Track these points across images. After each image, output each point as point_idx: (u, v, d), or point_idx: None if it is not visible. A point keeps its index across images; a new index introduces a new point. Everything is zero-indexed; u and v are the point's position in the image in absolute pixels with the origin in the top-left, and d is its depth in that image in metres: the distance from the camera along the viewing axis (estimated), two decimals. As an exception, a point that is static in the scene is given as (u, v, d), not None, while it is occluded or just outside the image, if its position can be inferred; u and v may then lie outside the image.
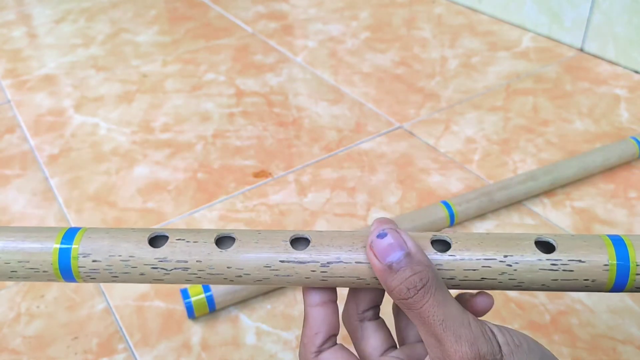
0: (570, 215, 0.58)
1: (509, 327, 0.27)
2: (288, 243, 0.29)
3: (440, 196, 0.61)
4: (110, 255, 0.28)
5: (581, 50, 0.86)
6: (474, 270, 0.28)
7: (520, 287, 0.28)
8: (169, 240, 0.29)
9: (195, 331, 0.48)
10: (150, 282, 0.29)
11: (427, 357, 0.27)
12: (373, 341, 0.30)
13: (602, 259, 0.27)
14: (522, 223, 0.57)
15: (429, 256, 0.28)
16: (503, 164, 0.65)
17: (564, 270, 0.27)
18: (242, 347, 0.47)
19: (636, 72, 0.80)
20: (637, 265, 0.27)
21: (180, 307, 0.50)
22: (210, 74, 0.85)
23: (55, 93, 0.83)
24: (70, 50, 0.95)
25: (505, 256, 0.28)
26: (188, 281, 0.29)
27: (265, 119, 0.75)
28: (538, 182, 0.59)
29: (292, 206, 0.61)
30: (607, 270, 0.27)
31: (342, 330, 0.31)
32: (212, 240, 0.29)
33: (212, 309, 0.49)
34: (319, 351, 0.29)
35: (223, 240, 0.29)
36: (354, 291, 0.31)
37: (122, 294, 0.52)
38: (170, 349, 0.47)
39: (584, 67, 0.82)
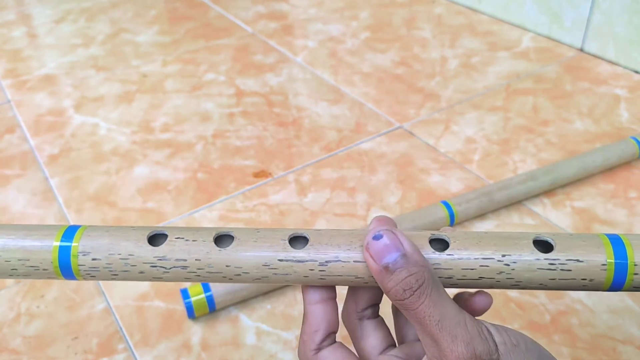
0: (570, 215, 0.58)
1: (509, 327, 0.27)
2: (287, 242, 0.29)
3: (440, 196, 0.61)
4: (109, 254, 0.28)
5: (581, 50, 0.86)
6: (472, 269, 0.28)
7: (518, 286, 0.28)
8: (168, 238, 0.29)
9: (195, 331, 0.48)
10: (149, 280, 0.29)
11: (425, 356, 0.27)
12: (372, 340, 0.30)
13: (600, 259, 0.27)
14: (522, 223, 0.57)
15: (427, 255, 0.28)
16: (503, 164, 0.65)
17: (561, 269, 0.27)
18: (242, 347, 0.47)
19: (636, 72, 0.80)
20: (635, 264, 0.27)
21: (180, 307, 0.50)
22: (210, 74, 0.85)
23: (55, 93, 0.83)
24: (70, 50, 0.95)
25: (504, 255, 0.28)
26: (187, 279, 0.29)
27: (265, 119, 0.75)
28: (538, 182, 0.59)
29: (292, 206, 0.61)
30: (605, 269, 0.27)
31: (342, 330, 0.31)
32: (211, 238, 0.29)
33: (212, 309, 0.49)
34: (319, 349, 0.29)
35: (222, 239, 0.29)
36: (353, 290, 0.31)
37: (122, 294, 0.52)
38: (170, 349, 0.47)
39: (584, 67, 0.82)
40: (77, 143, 0.72)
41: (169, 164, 0.68)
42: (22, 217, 0.61)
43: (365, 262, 0.28)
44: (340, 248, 0.28)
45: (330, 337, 0.29)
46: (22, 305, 0.52)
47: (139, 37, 0.98)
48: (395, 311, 0.32)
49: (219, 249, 0.29)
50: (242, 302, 0.51)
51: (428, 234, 0.29)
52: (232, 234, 0.29)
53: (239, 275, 0.29)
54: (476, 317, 0.27)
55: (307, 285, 0.29)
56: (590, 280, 0.28)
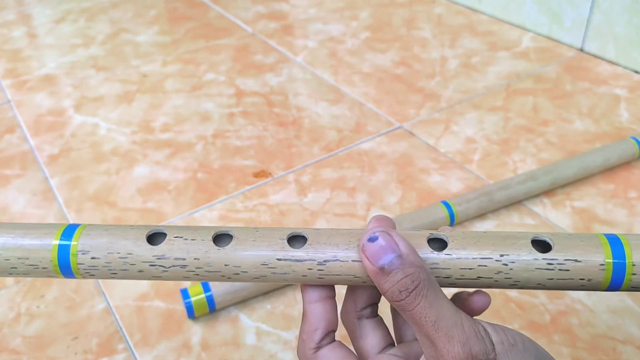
0: (570, 215, 0.58)
1: (509, 326, 0.27)
2: (285, 241, 0.29)
3: (440, 196, 0.61)
4: (109, 253, 0.29)
5: (581, 50, 0.86)
6: (470, 269, 0.28)
7: (516, 285, 0.28)
8: (167, 237, 0.29)
9: (195, 331, 0.49)
10: (149, 279, 0.29)
11: (423, 355, 0.27)
12: (371, 339, 0.30)
13: (598, 259, 0.27)
14: (522, 223, 0.57)
15: (425, 255, 0.28)
16: (503, 164, 0.65)
17: (559, 269, 0.27)
18: (242, 347, 0.47)
19: (636, 72, 0.80)
20: (633, 265, 0.27)
21: (180, 307, 0.50)
22: (210, 74, 0.85)
23: (55, 93, 0.83)
24: (70, 50, 0.95)
25: (502, 255, 0.28)
26: (186, 278, 0.29)
27: (265, 119, 0.75)
28: (538, 182, 0.59)
29: (292, 206, 0.61)
30: (603, 270, 0.27)
31: (342, 331, 0.31)
32: (210, 238, 0.29)
33: (212, 309, 0.49)
34: (318, 347, 0.29)
35: (221, 238, 0.29)
36: (352, 289, 0.31)
37: (122, 294, 0.52)
38: (170, 349, 0.47)
39: (584, 67, 0.82)
40: (77, 143, 0.72)
41: (169, 164, 0.68)
42: (22, 217, 0.61)
43: None
44: (338, 247, 0.28)
45: (329, 335, 0.29)
46: (22, 305, 0.52)
47: (139, 37, 0.98)
48: (394, 310, 0.32)
49: (217, 248, 0.29)
50: (242, 302, 0.51)
51: (426, 234, 0.29)
52: (230, 233, 0.29)
53: (237, 274, 0.29)
54: (475, 317, 0.27)
55: (306, 284, 0.29)
56: (589, 280, 0.28)
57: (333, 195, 0.62)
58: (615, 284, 0.27)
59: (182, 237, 0.29)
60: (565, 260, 0.27)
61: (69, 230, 0.29)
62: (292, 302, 0.51)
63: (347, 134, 0.71)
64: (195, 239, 0.29)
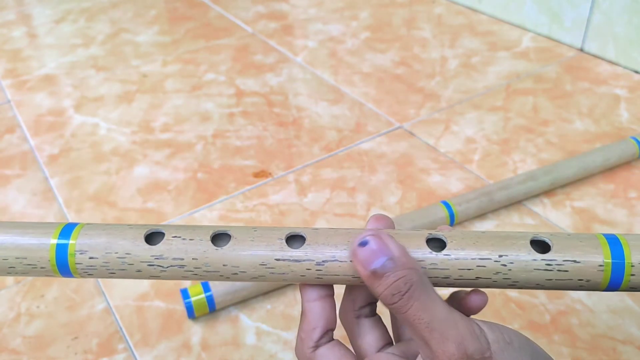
0: (570, 215, 0.58)
1: (508, 326, 0.27)
2: (283, 241, 0.29)
3: (440, 196, 0.61)
4: (107, 252, 0.28)
5: (581, 50, 0.86)
6: (469, 269, 0.28)
7: (514, 286, 0.28)
8: (165, 237, 0.29)
9: (195, 331, 0.48)
10: (147, 278, 0.29)
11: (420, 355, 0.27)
12: (369, 338, 0.30)
13: (597, 259, 0.27)
14: (522, 223, 0.57)
15: (424, 255, 0.28)
16: (503, 164, 0.65)
17: (558, 270, 0.27)
18: (242, 347, 0.47)
19: (636, 72, 0.80)
20: (632, 265, 0.27)
21: (180, 307, 0.50)
22: (210, 74, 0.85)
23: (55, 93, 0.83)
24: (70, 50, 0.95)
25: (500, 256, 0.28)
26: (184, 278, 0.29)
27: (265, 119, 0.75)
28: (538, 182, 0.59)
29: (292, 206, 0.61)
30: (602, 270, 0.27)
31: (341, 331, 0.31)
32: (208, 237, 0.29)
33: (212, 309, 0.49)
34: (316, 346, 0.29)
35: (219, 238, 0.29)
36: (351, 288, 0.31)
37: (122, 293, 0.52)
38: (170, 349, 0.47)
39: (584, 67, 0.82)
40: (77, 143, 0.72)
41: (169, 164, 0.68)
42: (22, 217, 0.61)
43: None
44: (337, 247, 0.28)
45: (328, 334, 0.29)
46: (22, 305, 0.52)
47: (139, 37, 0.98)
48: (392, 310, 0.32)
49: (215, 247, 0.29)
50: (242, 302, 0.51)
51: (425, 234, 0.29)
52: (229, 232, 0.29)
53: (236, 274, 0.29)
54: (472, 316, 0.27)
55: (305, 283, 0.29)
56: (587, 280, 0.28)
57: (333, 195, 0.62)
58: (614, 284, 0.27)
59: (180, 236, 0.29)
60: (564, 261, 0.27)
61: (67, 230, 0.29)
62: (292, 302, 0.50)
63: (347, 134, 0.71)
64: (193, 238, 0.29)
